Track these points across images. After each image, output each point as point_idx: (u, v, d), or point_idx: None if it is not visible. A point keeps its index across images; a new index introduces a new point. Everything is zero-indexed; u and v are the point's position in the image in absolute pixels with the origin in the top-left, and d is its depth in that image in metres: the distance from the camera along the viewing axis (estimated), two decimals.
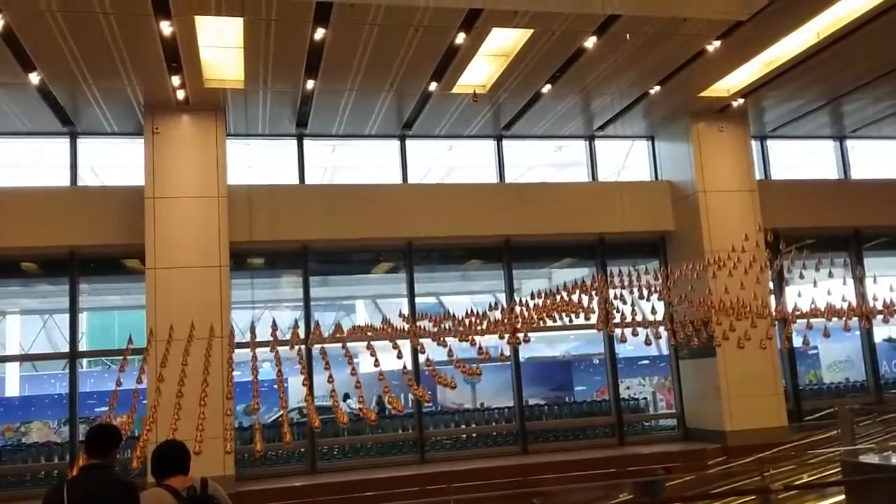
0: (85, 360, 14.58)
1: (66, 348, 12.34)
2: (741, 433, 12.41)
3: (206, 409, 7.27)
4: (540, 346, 17.01)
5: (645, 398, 14.50)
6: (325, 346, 8.09)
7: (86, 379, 14.13)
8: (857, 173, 15.49)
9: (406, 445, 13.04)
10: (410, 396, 13.63)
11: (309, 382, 7.50)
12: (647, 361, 15.16)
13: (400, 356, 8.10)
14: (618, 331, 7.97)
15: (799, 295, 8.59)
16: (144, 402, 8.83)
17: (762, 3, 9.38)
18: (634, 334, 7.92)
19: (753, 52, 11.07)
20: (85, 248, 12.16)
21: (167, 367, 7.77)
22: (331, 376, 7.11)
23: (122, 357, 8.11)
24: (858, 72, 11.87)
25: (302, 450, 12.53)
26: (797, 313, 8.37)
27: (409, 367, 10.67)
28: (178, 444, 4.47)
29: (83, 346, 13.33)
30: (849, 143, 15.57)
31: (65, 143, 12.48)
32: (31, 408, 13.20)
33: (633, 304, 8.26)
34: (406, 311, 11.99)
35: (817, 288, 8.64)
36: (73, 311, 12.16)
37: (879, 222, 14.81)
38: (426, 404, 13.19)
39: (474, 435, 13.45)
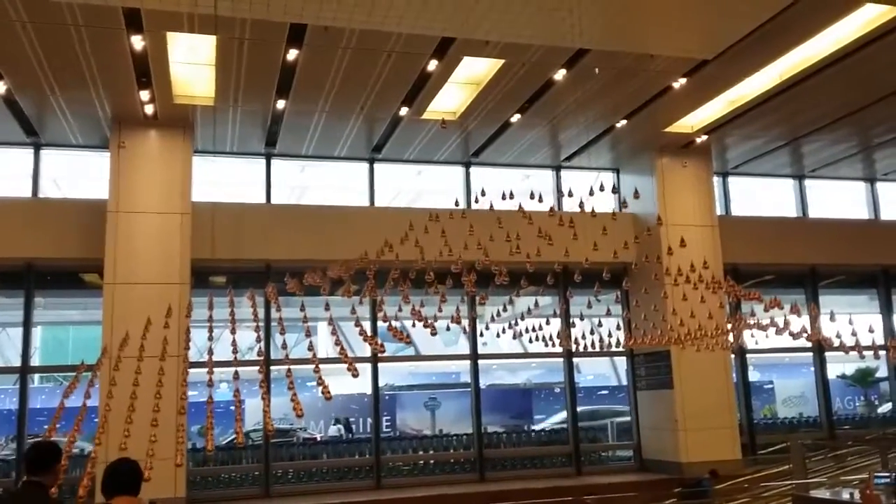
0: (37, 376, 14.22)
1: (17, 363, 12.04)
2: (697, 465, 12.50)
3: (158, 429, 7.13)
4: (502, 374, 16.99)
5: (603, 428, 14.55)
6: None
7: (37, 395, 13.78)
8: (814, 212, 15.87)
9: (362, 471, 12.91)
10: (370, 420, 13.52)
11: (266, 384, 7.41)
12: (605, 391, 15.24)
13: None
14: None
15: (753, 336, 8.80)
16: (96, 420, 8.64)
17: (727, 44, 9.63)
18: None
19: (717, 91, 11.35)
20: (43, 261, 11.92)
21: (118, 385, 7.62)
22: (289, 371, 7.07)
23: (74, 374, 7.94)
24: (818, 114, 12.23)
25: (256, 473, 12.34)
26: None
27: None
28: (131, 463, 4.36)
29: (35, 361, 13.01)
30: (807, 182, 15.95)
31: (28, 153, 12.30)
32: None
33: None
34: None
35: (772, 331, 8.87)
36: (27, 325, 11.88)
37: (835, 260, 15.18)
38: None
39: (432, 461, 13.36)
